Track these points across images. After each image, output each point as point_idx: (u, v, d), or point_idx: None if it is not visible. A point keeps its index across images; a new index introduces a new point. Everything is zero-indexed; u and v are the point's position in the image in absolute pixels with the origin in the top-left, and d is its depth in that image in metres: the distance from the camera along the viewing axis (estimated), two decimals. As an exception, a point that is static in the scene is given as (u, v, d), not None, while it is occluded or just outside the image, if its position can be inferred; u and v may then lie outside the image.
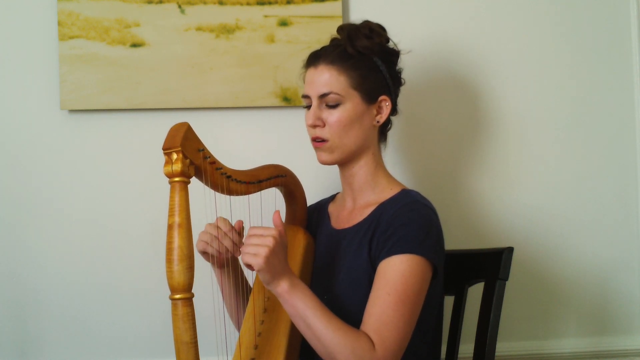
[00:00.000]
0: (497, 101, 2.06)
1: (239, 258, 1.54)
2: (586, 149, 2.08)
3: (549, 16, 2.08)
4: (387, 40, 1.62)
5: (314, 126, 1.56)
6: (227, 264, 1.58)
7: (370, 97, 1.57)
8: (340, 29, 1.61)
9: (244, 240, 1.41)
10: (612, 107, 2.09)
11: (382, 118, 1.60)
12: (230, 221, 1.54)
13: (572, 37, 2.08)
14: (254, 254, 1.34)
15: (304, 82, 1.61)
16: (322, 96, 1.55)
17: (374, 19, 1.64)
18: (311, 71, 1.58)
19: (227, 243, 1.53)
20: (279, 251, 1.37)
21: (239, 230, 1.55)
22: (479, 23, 2.06)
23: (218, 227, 1.52)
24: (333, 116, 1.55)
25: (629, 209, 2.09)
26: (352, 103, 1.55)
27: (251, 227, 1.39)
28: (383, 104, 1.59)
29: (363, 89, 1.56)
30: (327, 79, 1.54)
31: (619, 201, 2.09)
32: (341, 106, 1.55)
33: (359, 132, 1.57)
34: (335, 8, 1.99)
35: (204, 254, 1.55)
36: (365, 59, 1.57)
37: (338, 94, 1.54)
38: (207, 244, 1.53)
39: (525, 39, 2.07)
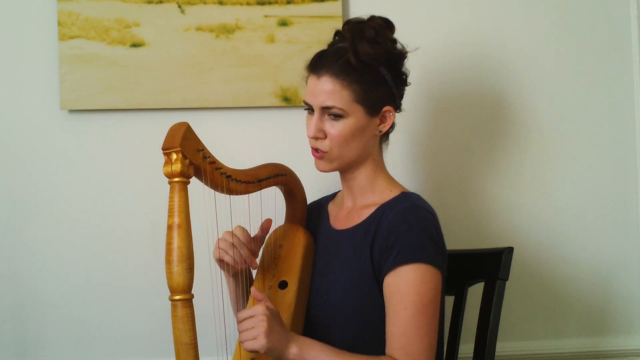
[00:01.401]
0: (498, 102, 2.06)
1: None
2: (586, 149, 2.08)
3: (549, 17, 2.07)
4: (394, 42, 1.55)
5: (315, 138, 1.54)
6: (242, 273, 1.58)
7: (373, 109, 1.53)
8: (344, 28, 1.55)
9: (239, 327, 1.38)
10: (612, 107, 2.09)
11: (385, 128, 1.56)
12: (234, 224, 1.54)
13: (571, 38, 2.08)
14: (253, 339, 1.34)
15: (307, 86, 1.56)
16: (325, 108, 1.51)
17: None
18: (313, 80, 1.53)
19: (244, 252, 1.53)
20: (275, 324, 1.37)
21: (267, 228, 1.60)
22: (479, 24, 2.06)
23: (235, 236, 1.53)
24: (335, 129, 1.51)
25: (629, 209, 2.08)
26: (355, 117, 1.51)
27: (239, 313, 1.39)
28: (387, 114, 1.55)
29: (367, 103, 1.51)
30: (329, 92, 1.50)
31: (619, 201, 2.08)
32: (343, 119, 1.51)
33: (360, 143, 1.54)
34: (335, 8, 1.98)
35: (220, 261, 1.56)
36: (371, 70, 1.51)
37: (341, 109, 1.50)
38: (225, 252, 1.53)
39: (525, 39, 2.06)
